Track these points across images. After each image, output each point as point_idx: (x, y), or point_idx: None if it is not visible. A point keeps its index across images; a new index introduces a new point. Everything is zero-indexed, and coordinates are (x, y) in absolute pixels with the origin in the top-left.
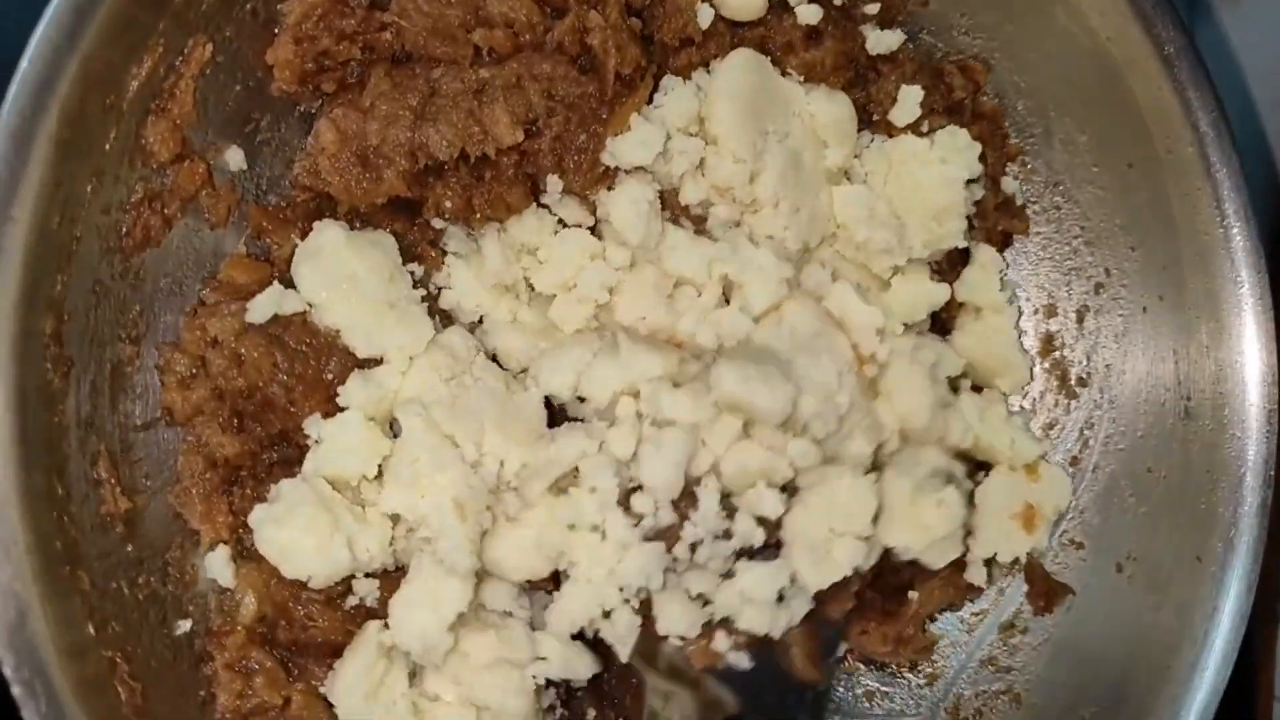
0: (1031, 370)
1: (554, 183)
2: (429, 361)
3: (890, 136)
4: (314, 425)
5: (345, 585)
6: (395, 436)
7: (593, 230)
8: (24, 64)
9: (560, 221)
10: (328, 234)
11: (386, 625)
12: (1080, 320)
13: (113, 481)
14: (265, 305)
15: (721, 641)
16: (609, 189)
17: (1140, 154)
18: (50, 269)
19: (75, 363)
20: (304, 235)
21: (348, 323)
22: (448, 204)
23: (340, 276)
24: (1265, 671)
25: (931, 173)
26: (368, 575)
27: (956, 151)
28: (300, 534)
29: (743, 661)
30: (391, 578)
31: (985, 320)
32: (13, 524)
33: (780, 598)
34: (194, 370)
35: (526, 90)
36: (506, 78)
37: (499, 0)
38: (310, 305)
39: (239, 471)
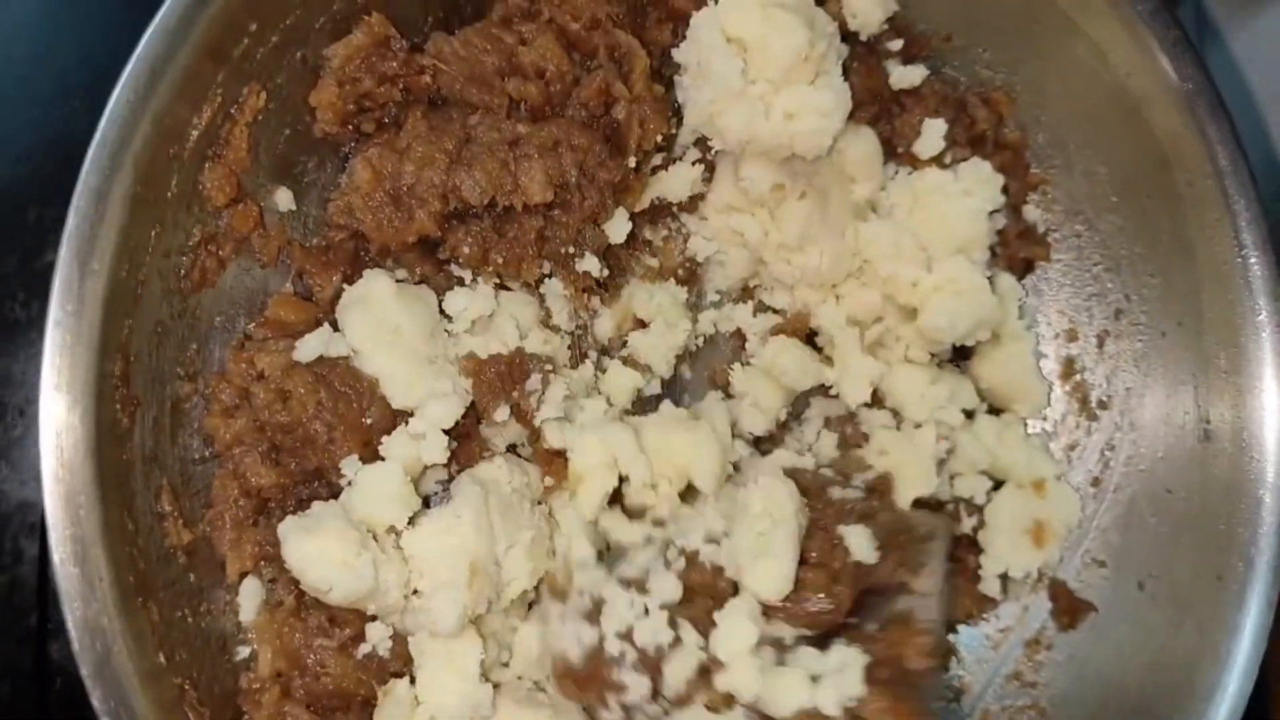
0: (1049, 395)
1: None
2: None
3: (914, 169)
4: (350, 466)
5: (359, 632)
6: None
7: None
8: (103, 124)
9: None
10: (376, 284)
11: (412, 681)
12: (1101, 345)
13: (175, 514)
14: (313, 345)
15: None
16: None
17: (1159, 186)
18: (119, 314)
19: (140, 402)
20: (346, 278)
21: (387, 372)
22: (465, 249)
23: (385, 327)
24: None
25: (956, 205)
26: (378, 619)
27: (980, 183)
28: (328, 544)
29: None
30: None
31: (1004, 347)
32: (98, 561)
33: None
34: (238, 401)
35: (562, 156)
36: (544, 140)
37: (531, 49)
38: (354, 351)
39: (269, 504)
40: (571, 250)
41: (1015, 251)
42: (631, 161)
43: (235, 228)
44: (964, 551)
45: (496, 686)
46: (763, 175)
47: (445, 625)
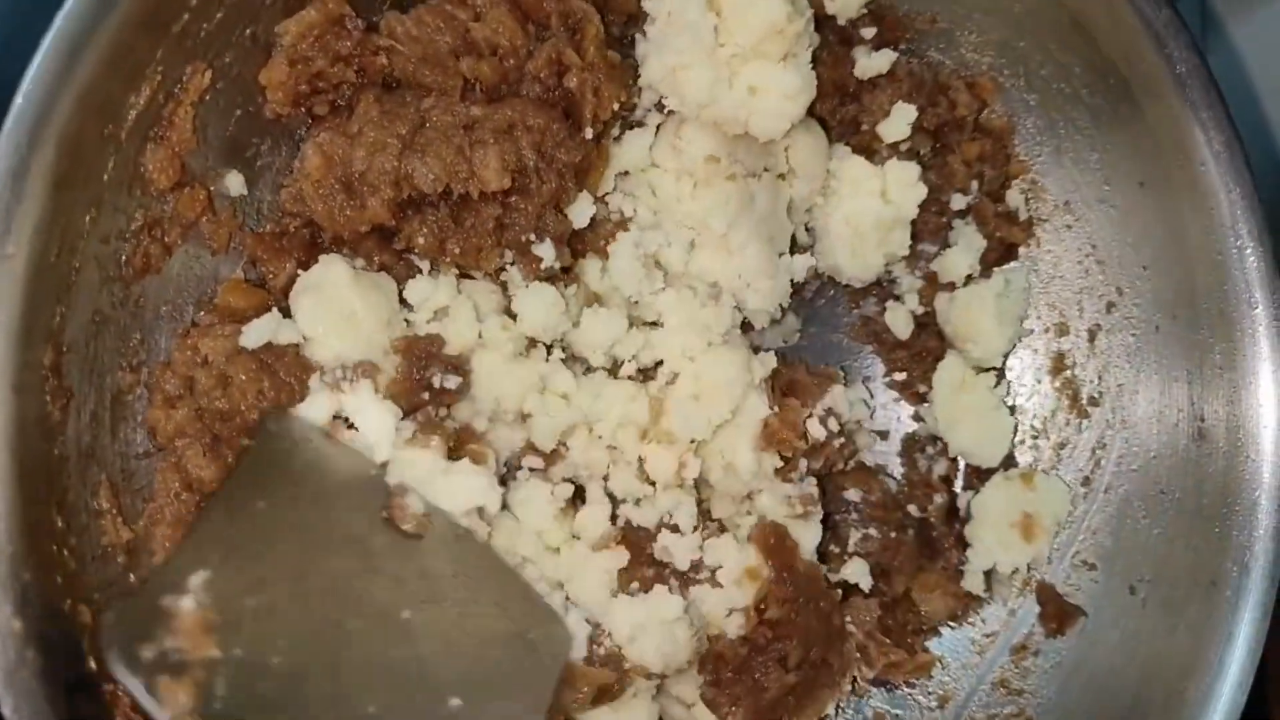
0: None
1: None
2: None
3: (870, 152)
4: None
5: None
6: None
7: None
8: (19, 99)
9: None
10: (333, 270)
11: None
12: (1092, 339)
13: (114, 511)
14: (260, 331)
15: None
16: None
17: (1152, 173)
18: (48, 302)
19: (75, 394)
20: (300, 265)
21: (339, 362)
22: (420, 239)
23: (340, 314)
24: (1277, 698)
25: (875, 202)
26: None
27: (902, 189)
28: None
29: None
30: None
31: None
32: (14, 563)
33: None
34: (181, 391)
35: (518, 139)
36: (499, 122)
37: (484, 24)
38: (305, 339)
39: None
40: (532, 238)
41: (994, 232)
42: (589, 133)
43: (181, 212)
44: (945, 549)
45: None
46: (702, 142)
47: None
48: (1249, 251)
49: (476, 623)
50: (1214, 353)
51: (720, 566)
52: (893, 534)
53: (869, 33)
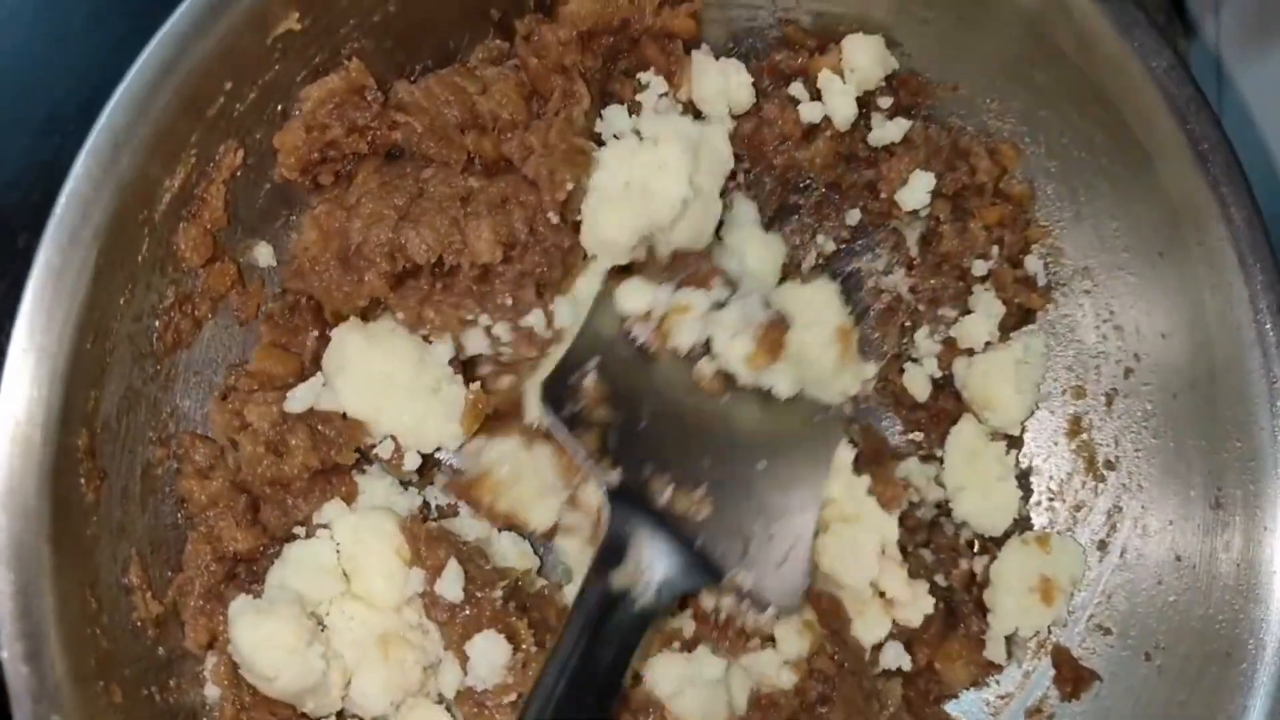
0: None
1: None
2: None
3: (888, 217)
4: (333, 510)
5: None
6: None
7: None
8: (62, 198)
9: None
10: (348, 341)
11: None
12: (1109, 404)
13: (144, 586)
14: (304, 396)
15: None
16: None
17: (1171, 243)
18: (84, 387)
19: (108, 473)
20: (319, 331)
21: (401, 427)
22: (400, 315)
23: (375, 378)
24: None
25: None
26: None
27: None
28: (280, 628)
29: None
30: None
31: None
32: (52, 654)
33: None
34: (213, 461)
35: (511, 213)
36: (493, 195)
37: (489, 96)
38: (355, 417)
39: (236, 572)
40: (510, 303)
41: (1012, 298)
42: (552, 217)
43: (212, 287)
44: (965, 615)
45: None
46: None
47: (370, 708)
48: (1269, 326)
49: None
50: (1231, 423)
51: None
52: None
53: (885, 102)
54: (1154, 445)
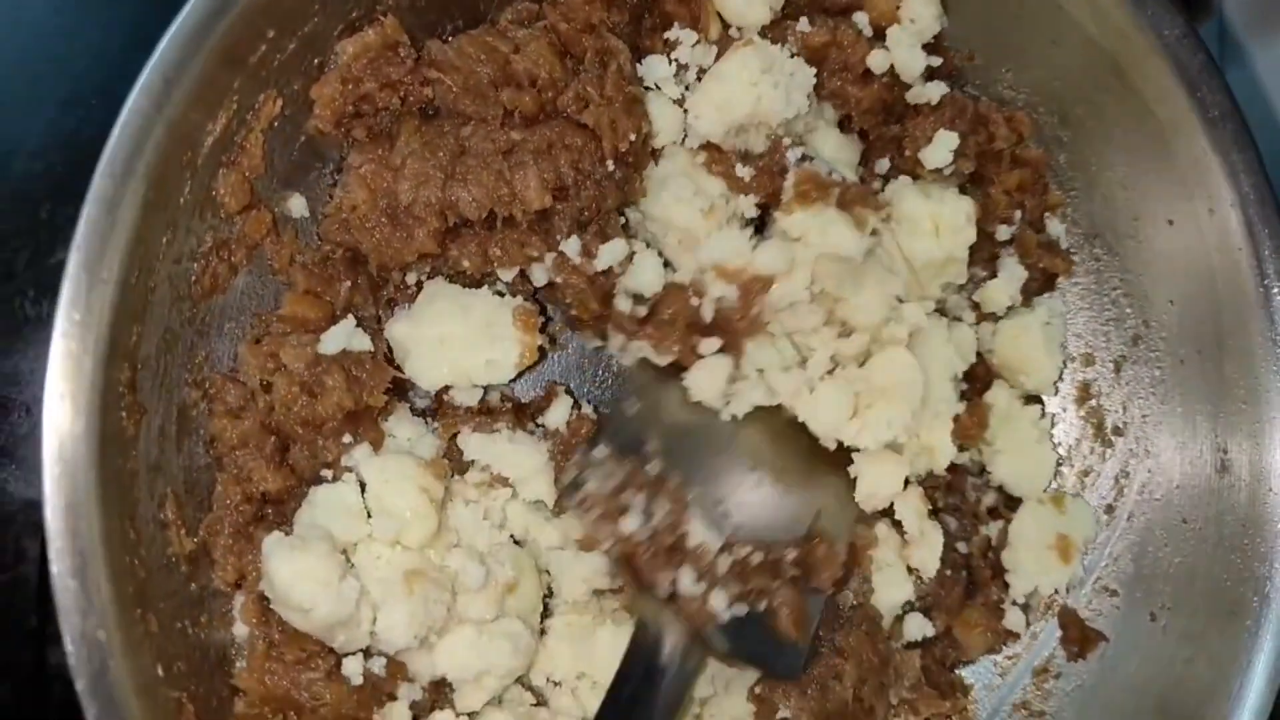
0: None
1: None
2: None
3: (914, 176)
4: (361, 454)
5: (337, 661)
6: None
7: None
8: (116, 131)
9: None
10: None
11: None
12: (1118, 370)
13: (179, 522)
14: (337, 338)
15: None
16: None
17: (1181, 211)
18: (129, 321)
19: (147, 409)
20: (351, 281)
21: (455, 377)
22: (465, 264)
23: (434, 339)
24: None
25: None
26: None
27: (953, 230)
28: (313, 563)
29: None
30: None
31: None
32: (98, 573)
33: None
34: (243, 402)
35: (557, 158)
36: (538, 143)
37: (524, 56)
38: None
39: (266, 512)
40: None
41: (1036, 262)
42: (610, 166)
43: (248, 234)
44: (984, 582)
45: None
46: None
47: (396, 641)
48: (1275, 292)
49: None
50: (1238, 388)
51: None
52: (948, 572)
53: (934, 61)
54: (1161, 411)
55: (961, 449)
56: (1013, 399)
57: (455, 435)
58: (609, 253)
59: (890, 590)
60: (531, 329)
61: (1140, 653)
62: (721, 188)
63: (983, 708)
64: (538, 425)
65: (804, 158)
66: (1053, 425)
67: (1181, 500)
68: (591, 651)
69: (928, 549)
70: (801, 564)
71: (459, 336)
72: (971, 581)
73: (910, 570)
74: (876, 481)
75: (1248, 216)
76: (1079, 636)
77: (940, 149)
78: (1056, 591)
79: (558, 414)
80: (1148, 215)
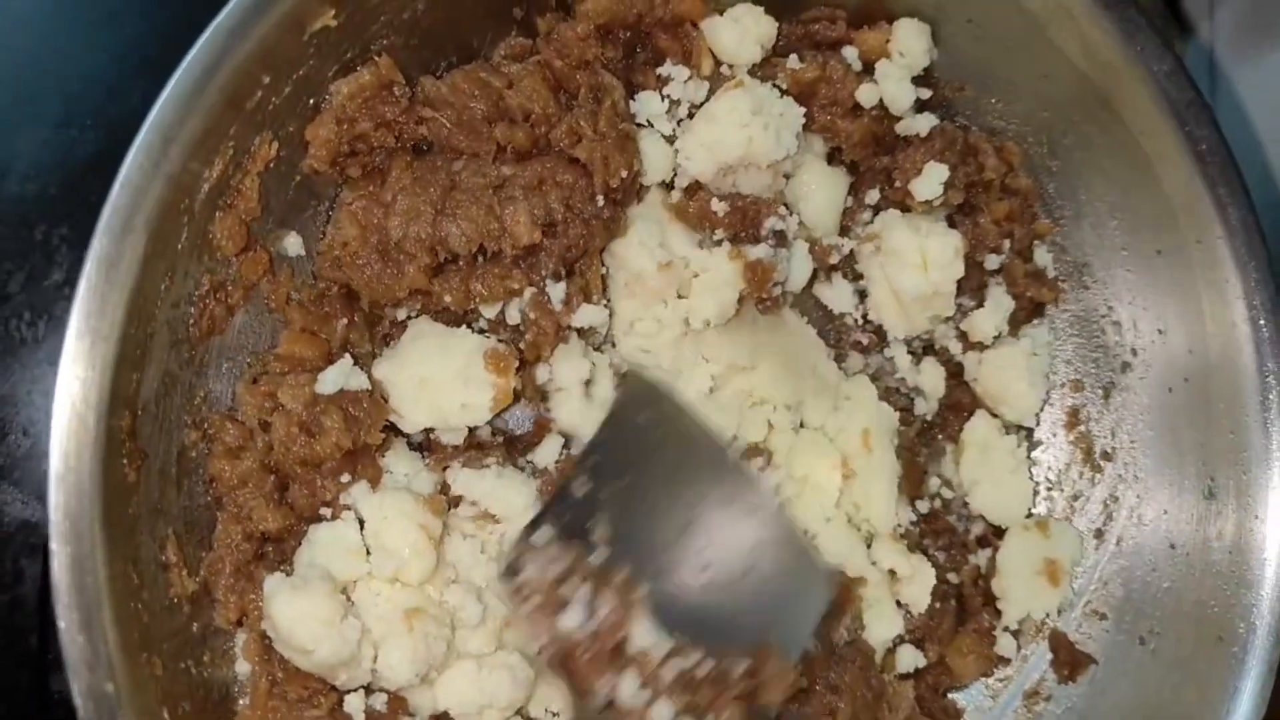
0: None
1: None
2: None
3: (904, 208)
4: (359, 492)
5: (339, 699)
6: None
7: None
8: (115, 190)
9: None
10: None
11: None
12: (1106, 396)
13: (180, 563)
14: (335, 378)
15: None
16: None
17: (1169, 242)
18: (129, 370)
19: (148, 454)
20: (348, 318)
21: (434, 419)
22: (448, 299)
23: (417, 378)
24: None
25: (917, 275)
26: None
27: (941, 264)
28: (315, 603)
29: None
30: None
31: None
32: (104, 624)
33: None
34: (242, 442)
35: (547, 194)
36: (529, 179)
37: (518, 91)
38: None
39: (265, 551)
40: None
41: (1023, 291)
42: (599, 202)
43: (245, 275)
44: (975, 610)
45: None
46: None
47: (397, 679)
48: (1263, 323)
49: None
50: (1225, 416)
51: None
52: (937, 604)
53: (924, 93)
54: (1150, 437)
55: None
56: (992, 429)
57: (446, 468)
58: (588, 315)
59: (882, 626)
60: (505, 372)
61: (1129, 677)
62: (687, 245)
63: None
64: (528, 461)
65: (780, 232)
66: (1040, 450)
67: (1170, 526)
68: None
69: (918, 585)
70: (752, 675)
71: (437, 378)
72: (962, 609)
73: (900, 604)
74: (837, 553)
75: (1235, 249)
76: (1069, 660)
77: (930, 181)
78: (1047, 616)
79: (547, 452)
80: (1136, 245)
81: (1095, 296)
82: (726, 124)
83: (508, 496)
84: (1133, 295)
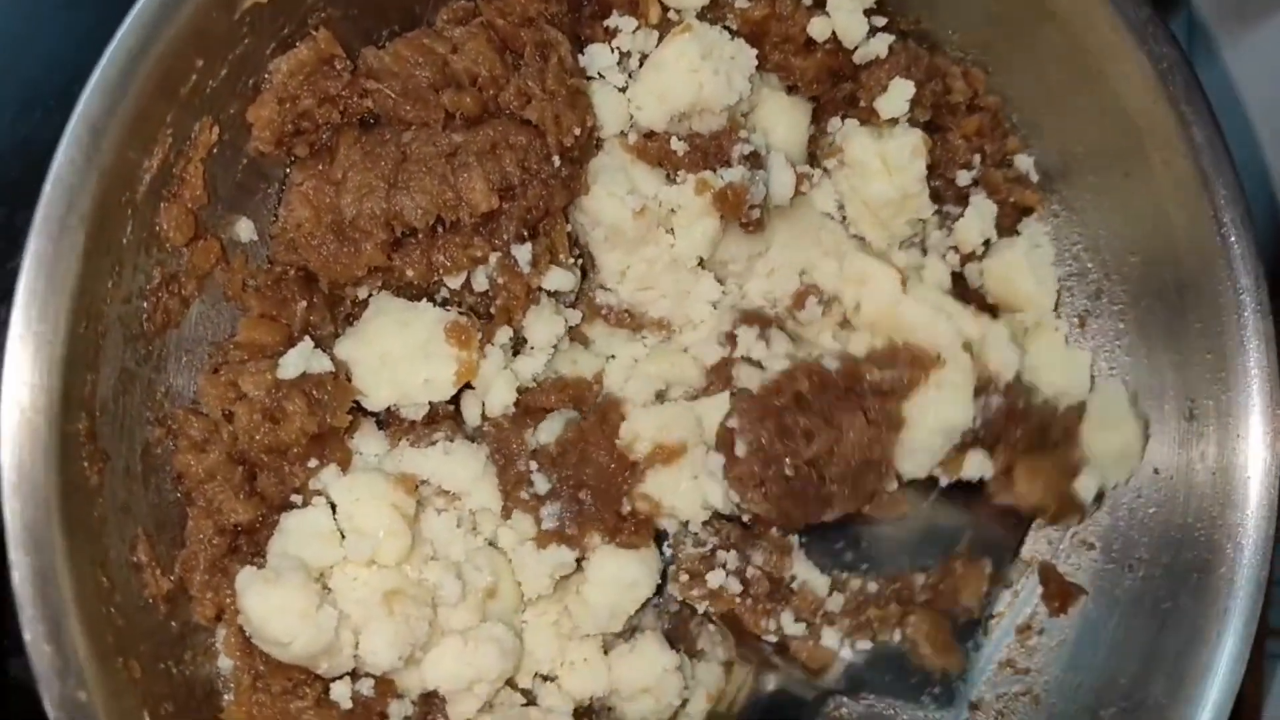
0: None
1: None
2: None
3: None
4: (329, 476)
5: (325, 687)
6: None
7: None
8: (47, 188)
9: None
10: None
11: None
12: (1083, 324)
13: (152, 563)
14: (296, 362)
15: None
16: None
17: (1137, 165)
18: (81, 371)
19: (110, 454)
20: (307, 300)
21: (400, 394)
22: (410, 273)
23: (378, 355)
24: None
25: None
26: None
27: (901, 166)
28: (289, 595)
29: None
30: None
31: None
32: (73, 633)
33: None
34: (207, 435)
35: (501, 158)
36: (481, 144)
37: (462, 55)
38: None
39: (238, 544)
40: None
41: (1006, 197)
42: (556, 161)
43: (197, 265)
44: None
45: None
46: None
47: (380, 663)
48: (1234, 239)
49: None
50: (1201, 336)
51: None
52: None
53: (878, 21)
54: (1127, 363)
55: None
56: (1020, 329)
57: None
58: (558, 279)
59: (954, 410)
60: (468, 344)
61: (1120, 605)
62: (656, 184)
63: (970, 668)
64: (484, 419)
65: (753, 153)
66: None
67: (1152, 449)
68: (568, 637)
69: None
70: (935, 588)
71: (398, 354)
72: (1044, 433)
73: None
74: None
75: (1202, 166)
76: (1059, 592)
77: (896, 97)
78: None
79: (471, 411)
80: (1104, 169)
81: (1065, 224)
82: (675, 71)
83: (457, 470)
84: (1103, 221)
